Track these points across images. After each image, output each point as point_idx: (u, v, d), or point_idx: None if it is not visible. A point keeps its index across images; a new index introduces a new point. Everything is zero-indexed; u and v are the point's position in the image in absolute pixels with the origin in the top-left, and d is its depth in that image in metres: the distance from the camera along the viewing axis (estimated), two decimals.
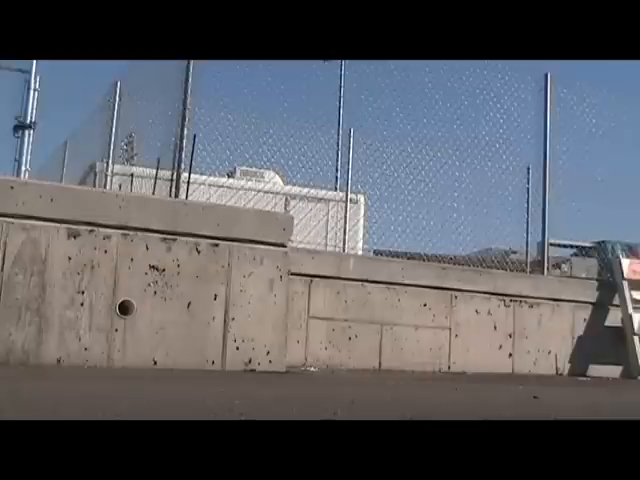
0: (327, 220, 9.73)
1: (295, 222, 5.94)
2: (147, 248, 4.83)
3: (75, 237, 4.64)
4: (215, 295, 4.98)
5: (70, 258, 4.61)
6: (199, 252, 4.97)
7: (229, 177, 9.62)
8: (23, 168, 13.18)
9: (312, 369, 5.84)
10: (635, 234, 10.21)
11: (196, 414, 2.58)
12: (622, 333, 7.41)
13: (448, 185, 9.06)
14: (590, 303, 7.54)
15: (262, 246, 5.18)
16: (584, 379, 6.91)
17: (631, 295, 7.50)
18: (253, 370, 5.00)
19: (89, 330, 4.59)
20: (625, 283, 7.54)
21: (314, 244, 8.84)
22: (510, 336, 6.99)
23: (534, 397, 4.01)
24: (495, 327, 6.93)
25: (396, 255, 8.32)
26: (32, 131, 13.42)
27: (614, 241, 9.94)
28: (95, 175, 10.10)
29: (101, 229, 4.72)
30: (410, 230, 8.76)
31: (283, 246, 5.30)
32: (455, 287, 6.79)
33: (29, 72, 13.24)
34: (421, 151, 8.97)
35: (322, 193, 9.66)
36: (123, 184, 9.60)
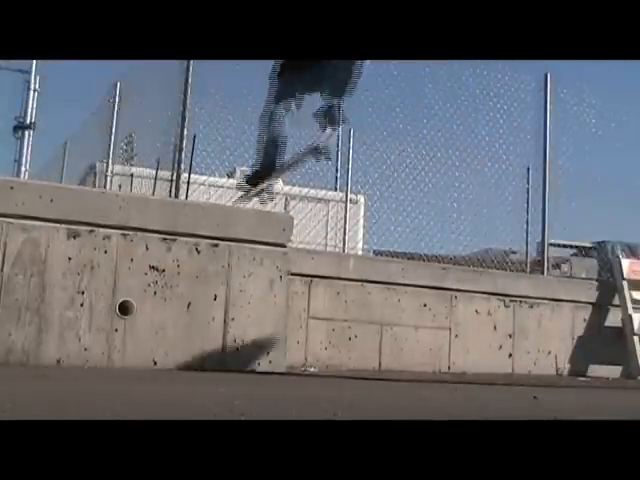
0: (327, 220, 9.72)
1: (295, 222, 5.94)
2: (147, 248, 4.83)
3: (75, 237, 4.64)
4: (215, 295, 4.98)
5: (70, 258, 4.61)
6: (199, 252, 4.97)
7: (229, 177, 9.61)
8: (23, 168, 13.16)
9: (312, 369, 5.84)
10: (635, 234, 10.21)
11: (196, 414, 2.58)
12: (622, 333, 7.41)
13: (448, 185, 9.05)
14: (590, 303, 7.54)
15: (262, 246, 5.18)
16: (584, 379, 6.91)
17: (631, 295, 7.50)
18: (253, 370, 5.00)
19: (89, 330, 4.59)
20: (625, 283, 7.54)
21: (314, 244, 8.84)
22: (510, 336, 6.99)
23: (534, 397, 4.01)
24: (495, 327, 6.93)
25: (396, 255, 8.32)
26: (32, 131, 13.39)
27: (614, 241, 9.94)
28: (95, 175, 10.09)
29: (101, 229, 4.72)
30: (410, 230, 8.76)
31: (283, 246, 5.30)
32: (455, 287, 6.79)
33: (29, 72, 13.21)
34: (421, 151, 8.96)
35: (322, 193, 9.66)
36: (123, 184, 9.59)
